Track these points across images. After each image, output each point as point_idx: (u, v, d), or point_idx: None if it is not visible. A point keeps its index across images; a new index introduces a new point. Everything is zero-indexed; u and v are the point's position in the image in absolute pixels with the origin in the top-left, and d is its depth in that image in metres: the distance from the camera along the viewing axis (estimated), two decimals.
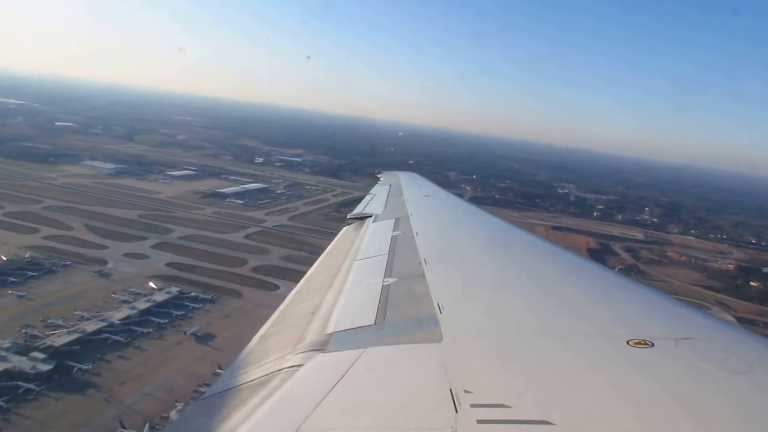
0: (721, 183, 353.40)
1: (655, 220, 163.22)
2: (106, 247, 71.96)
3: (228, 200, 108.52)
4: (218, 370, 46.43)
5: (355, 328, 4.53)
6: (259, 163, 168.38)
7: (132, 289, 59.40)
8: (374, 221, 10.14)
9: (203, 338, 51.78)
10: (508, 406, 2.75)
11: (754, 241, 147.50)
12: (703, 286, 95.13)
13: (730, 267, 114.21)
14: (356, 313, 4.93)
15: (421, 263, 6.13)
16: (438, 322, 4.17)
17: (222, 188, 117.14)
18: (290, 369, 3.87)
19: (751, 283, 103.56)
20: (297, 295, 6.38)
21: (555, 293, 5.00)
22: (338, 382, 3.37)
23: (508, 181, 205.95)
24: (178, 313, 55.60)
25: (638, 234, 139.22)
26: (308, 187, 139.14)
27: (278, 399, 3.36)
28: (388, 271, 6.18)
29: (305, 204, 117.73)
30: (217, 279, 66.30)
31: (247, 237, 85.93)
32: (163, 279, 63.80)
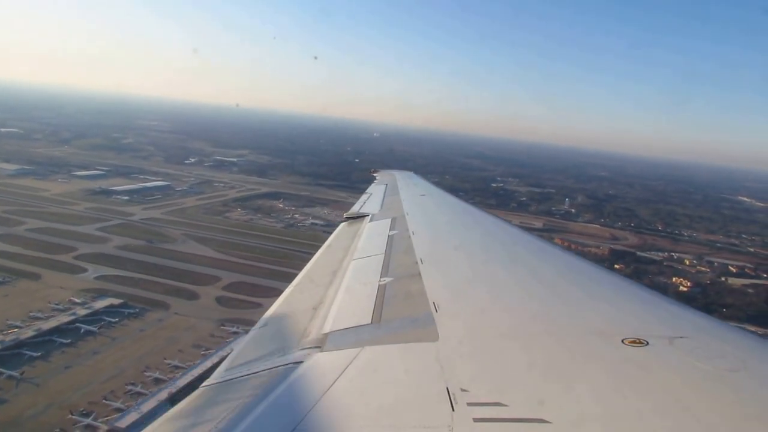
0: (694, 177, 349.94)
1: (572, 210, 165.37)
2: None
3: (114, 197, 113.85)
4: None
5: (352, 327, 4.64)
6: (189, 164, 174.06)
7: None
8: (371, 220, 10.21)
9: None
10: (505, 405, 2.78)
11: (659, 228, 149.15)
12: None
13: (605, 251, 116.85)
14: (353, 312, 5.04)
15: (417, 262, 6.17)
16: (434, 321, 4.21)
17: (118, 186, 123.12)
18: (289, 366, 3.98)
19: (615, 266, 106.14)
20: (295, 290, 6.50)
21: (551, 292, 5.07)
22: (336, 380, 3.44)
23: (447, 177, 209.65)
24: None
25: (538, 223, 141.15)
26: (216, 184, 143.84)
27: (278, 396, 3.47)
28: (385, 271, 6.27)
29: (197, 200, 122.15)
30: (29, 264, 70.77)
31: (100, 229, 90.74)
32: None
